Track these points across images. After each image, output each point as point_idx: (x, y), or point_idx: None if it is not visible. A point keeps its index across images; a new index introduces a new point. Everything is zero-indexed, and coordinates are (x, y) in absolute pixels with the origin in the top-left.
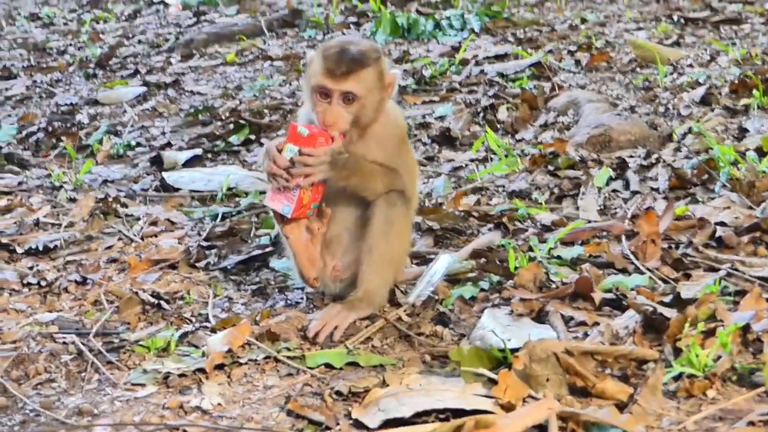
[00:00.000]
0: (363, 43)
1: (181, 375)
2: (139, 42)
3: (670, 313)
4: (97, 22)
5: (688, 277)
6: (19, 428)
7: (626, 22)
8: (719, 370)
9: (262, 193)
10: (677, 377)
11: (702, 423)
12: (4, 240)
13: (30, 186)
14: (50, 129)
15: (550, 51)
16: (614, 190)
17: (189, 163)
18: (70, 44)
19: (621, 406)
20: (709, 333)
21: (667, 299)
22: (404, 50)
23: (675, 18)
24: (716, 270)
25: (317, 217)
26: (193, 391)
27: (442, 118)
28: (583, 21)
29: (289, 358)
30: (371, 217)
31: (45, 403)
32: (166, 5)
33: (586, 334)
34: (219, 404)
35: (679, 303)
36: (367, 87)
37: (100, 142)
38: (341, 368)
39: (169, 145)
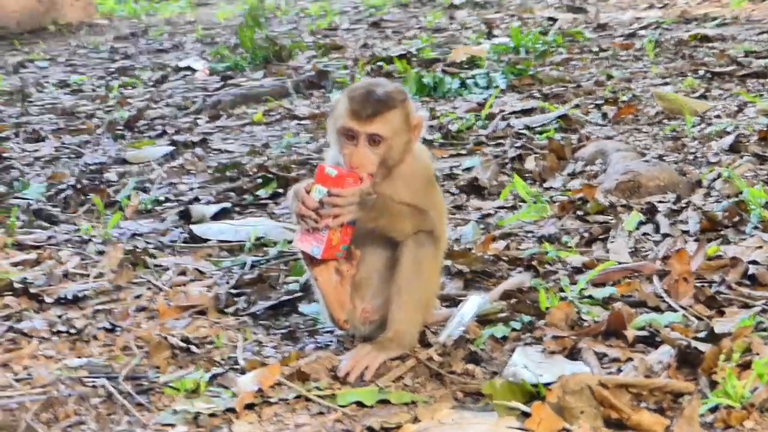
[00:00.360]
0: (389, 85)
1: (212, 415)
2: (167, 105)
3: (705, 347)
4: (125, 88)
5: (721, 314)
6: None
7: (652, 78)
8: (756, 400)
9: (290, 242)
10: (713, 409)
11: None
12: (34, 290)
13: (59, 240)
14: (79, 186)
15: (577, 105)
16: (644, 234)
17: (217, 217)
18: (99, 108)
19: None
20: (745, 366)
21: (701, 335)
22: (431, 108)
23: (701, 73)
24: (750, 307)
25: (346, 259)
26: (223, 430)
27: (469, 169)
28: (609, 77)
29: (319, 397)
30: (400, 258)
31: None
32: (193, 71)
33: (619, 370)
34: None
35: (713, 338)
36: (394, 129)
37: (129, 198)
38: (372, 406)
39: (197, 200)
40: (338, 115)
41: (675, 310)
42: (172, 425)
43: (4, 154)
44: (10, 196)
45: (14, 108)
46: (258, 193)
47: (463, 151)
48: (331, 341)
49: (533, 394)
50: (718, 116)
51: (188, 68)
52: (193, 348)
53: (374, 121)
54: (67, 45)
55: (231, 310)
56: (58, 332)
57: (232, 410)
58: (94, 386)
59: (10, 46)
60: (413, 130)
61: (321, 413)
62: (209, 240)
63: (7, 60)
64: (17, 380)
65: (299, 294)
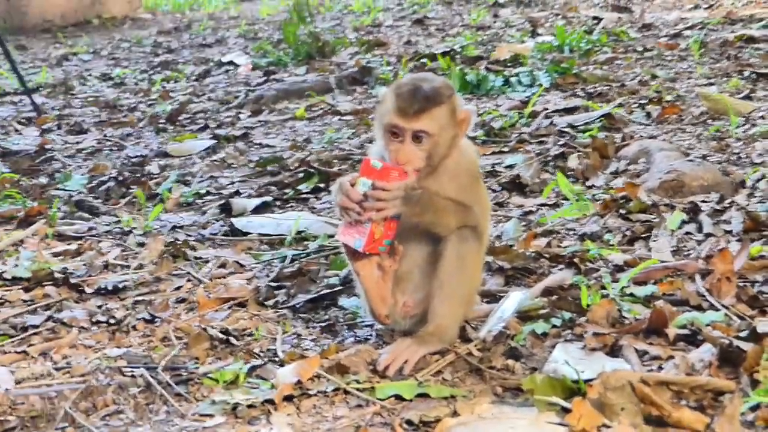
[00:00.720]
0: (436, 80)
1: (250, 406)
2: (209, 99)
3: (747, 346)
4: (168, 82)
5: (764, 313)
6: None
7: (697, 78)
8: None
9: (331, 236)
10: (755, 407)
11: None
12: (74, 281)
13: (99, 231)
14: (120, 179)
15: (620, 104)
16: (687, 233)
17: (258, 210)
18: (141, 102)
19: None
20: None
21: (743, 334)
22: (474, 105)
23: (746, 74)
24: None
25: (389, 254)
26: (262, 421)
27: (511, 166)
28: (654, 77)
29: (358, 390)
30: (443, 252)
31: None
32: (236, 66)
33: (660, 368)
34: None
35: (755, 337)
36: (440, 125)
37: (170, 190)
38: (411, 400)
39: (237, 193)
40: (384, 111)
41: (717, 309)
42: (210, 416)
43: (47, 146)
44: (52, 187)
45: (57, 100)
46: (299, 187)
47: (506, 149)
48: (371, 335)
49: (573, 390)
50: (762, 117)
51: (231, 63)
52: (233, 340)
53: (420, 118)
54: (110, 39)
55: (270, 302)
56: (98, 322)
57: (270, 402)
58: (132, 376)
59: (54, 39)
60: (460, 124)
61: (359, 406)
62: (249, 233)
63: (51, 53)
64: (56, 369)
65: (339, 288)
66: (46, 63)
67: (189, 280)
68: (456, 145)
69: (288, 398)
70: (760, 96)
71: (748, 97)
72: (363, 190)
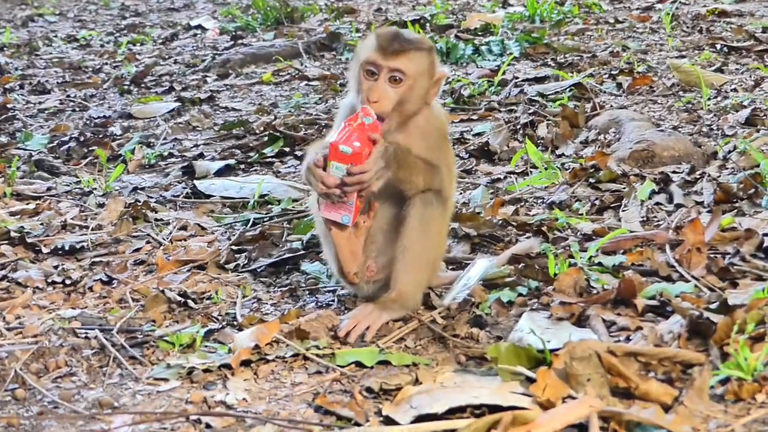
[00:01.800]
0: (418, 35)
1: (206, 370)
2: (175, 62)
3: (717, 318)
4: (134, 45)
5: (734, 285)
6: (36, 420)
7: (668, 51)
8: None
9: (295, 200)
10: (724, 381)
11: (751, 426)
12: (31, 240)
13: (59, 191)
14: (82, 139)
15: (591, 75)
16: (657, 203)
17: (221, 173)
18: (106, 64)
19: (665, 409)
20: (758, 338)
21: (713, 306)
22: (448, 71)
23: (718, 47)
24: (764, 279)
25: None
26: (218, 386)
27: (480, 134)
28: (625, 49)
29: (318, 356)
30: (406, 217)
31: (64, 395)
32: (204, 30)
33: (628, 339)
34: (244, 399)
35: (726, 309)
36: (418, 69)
37: (132, 152)
38: (372, 367)
39: (201, 156)
40: (363, 50)
41: (687, 281)
42: (165, 380)
43: (8, 105)
44: (12, 146)
45: (21, 61)
46: (264, 151)
47: (475, 117)
48: (333, 300)
49: (539, 359)
50: (734, 90)
51: (199, 27)
52: (191, 303)
53: (399, 57)
54: (77, 1)
55: (231, 266)
56: (53, 283)
57: (227, 366)
58: (86, 338)
59: (20, 1)
60: (435, 83)
61: (319, 372)
62: (212, 196)
63: (17, 14)
64: (8, 329)
65: (302, 252)
66: (11, 24)
67: (148, 242)
68: (428, 102)
69: (245, 363)
70: (732, 69)
71: (719, 70)
72: (337, 174)
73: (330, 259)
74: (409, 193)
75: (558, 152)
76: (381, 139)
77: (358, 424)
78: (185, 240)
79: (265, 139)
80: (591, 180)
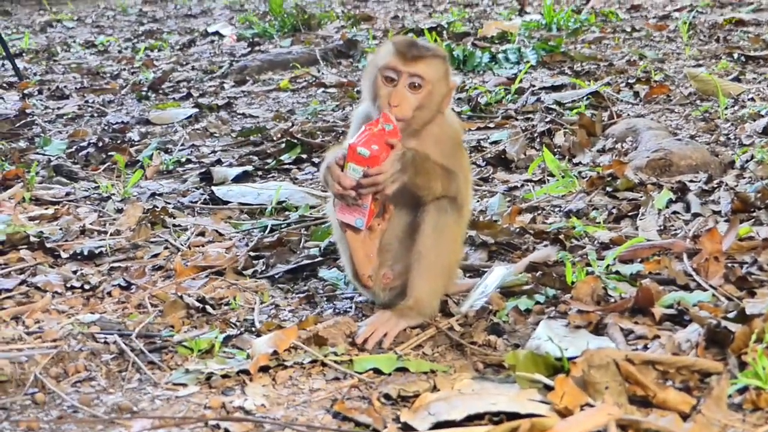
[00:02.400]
0: (432, 44)
1: (225, 376)
2: (193, 69)
3: (735, 327)
4: (152, 51)
5: (752, 295)
6: (55, 424)
7: (685, 60)
8: None
9: (313, 207)
10: (742, 390)
11: None
12: (50, 245)
13: (77, 197)
14: (100, 145)
15: (608, 83)
16: (675, 212)
17: (238, 180)
18: (124, 69)
19: (683, 417)
20: None
21: (731, 315)
22: (460, 80)
23: (735, 56)
24: None
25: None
26: (236, 391)
27: (497, 142)
28: (642, 57)
29: (336, 362)
30: (421, 224)
31: (83, 399)
32: (221, 36)
33: (646, 347)
34: (262, 405)
35: (743, 318)
36: (436, 75)
37: (150, 157)
38: (390, 374)
39: (219, 162)
40: (380, 57)
41: (704, 290)
42: (183, 385)
43: (27, 111)
44: (31, 151)
45: (40, 66)
46: (281, 158)
47: (492, 125)
48: (350, 307)
49: (556, 367)
50: (752, 99)
51: (216, 33)
52: (209, 308)
53: (418, 62)
54: (95, 7)
55: (249, 272)
56: (72, 288)
57: (245, 372)
58: (105, 342)
59: (38, 6)
60: (449, 91)
61: (337, 379)
62: (230, 202)
63: (36, 20)
64: (28, 334)
65: (319, 259)
66: (30, 29)
67: (167, 248)
68: (443, 109)
69: (264, 369)
70: (750, 78)
71: (737, 79)
72: (354, 176)
73: (345, 262)
74: (426, 199)
75: (575, 161)
76: (399, 143)
77: (376, 431)
78: (203, 246)
79: (283, 145)
80: (608, 188)
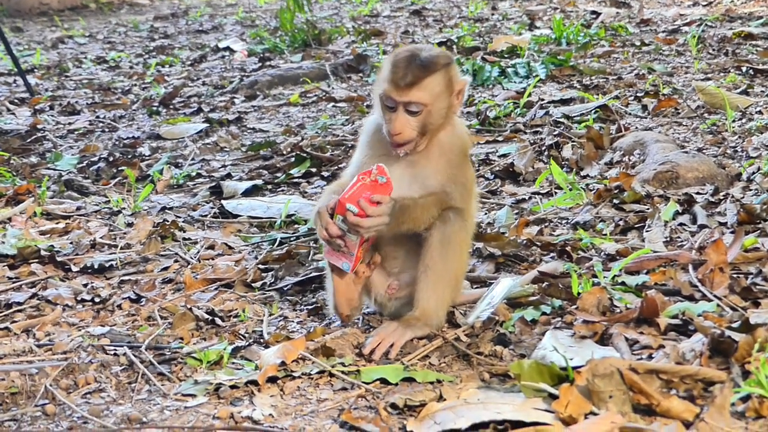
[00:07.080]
0: (434, 50)
1: (233, 387)
2: (203, 84)
3: (739, 336)
4: (163, 66)
5: (757, 305)
6: None
7: (694, 73)
8: None
9: None
10: (745, 398)
11: None
12: (60, 259)
13: (88, 211)
14: (111, 159)
15: (617, 97)
16: (681, 224)
17: (248, 193)
18: (135, 85)
19: (686, 426)
20: None
21: (735, 325)
22: (469, 95)
23: (743, 69)
24: None
25: (366, 263)
26: (245, 402)
27: (505, 155)
28: (651, 71)
29: (343, 373)
30: (427, 236)
31: (93, 410)
32: (232, 52)
33: (650, 357)
34: (270, 415)
35: (747, 328)
36: (433, 95)
37: (161, 172)
38: (397, 384)
39: (229, 176)
40: (380, 80)
41: (709, 300)
42: (192, 396)
43: (39, 126)
44: (42, 166)
45: (51, 82)
46: (291, 172)
47: (500, 138)
48: (358, 319)
49: (561, 376)
50: (759, 112)
51: (227, 49)
52: (218, 320)
53: (411, 90)
54: (107, 23)
55: (258, 284)
56: (83, 301)
57: (254, 383)
58: (115, 354)
59: (50, 23)
60: (456, 95)
61: (344, 389)
62: (239, 216)
63: (47, 36)
64: (38, 346)
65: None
66: (42, 45)
67: (176, 261)
68: (451, 117)
69: (272, 380)
70: (758, 92)
71: (745, 93)
72: (342, 227)
73: (329, 294)
74: (426, 228)
75: (582, 173)
76: (388, 198)
77: None
78: (213, 259)
79: (292, 159)
80: (615, 201)
